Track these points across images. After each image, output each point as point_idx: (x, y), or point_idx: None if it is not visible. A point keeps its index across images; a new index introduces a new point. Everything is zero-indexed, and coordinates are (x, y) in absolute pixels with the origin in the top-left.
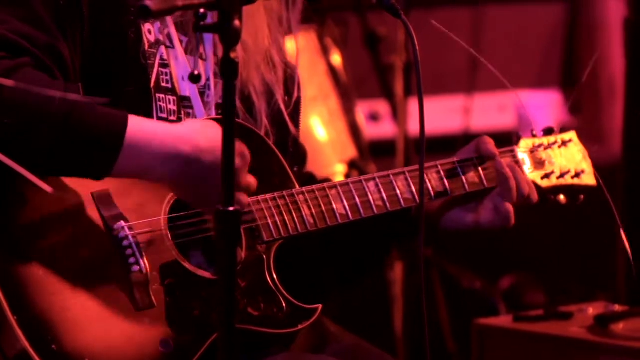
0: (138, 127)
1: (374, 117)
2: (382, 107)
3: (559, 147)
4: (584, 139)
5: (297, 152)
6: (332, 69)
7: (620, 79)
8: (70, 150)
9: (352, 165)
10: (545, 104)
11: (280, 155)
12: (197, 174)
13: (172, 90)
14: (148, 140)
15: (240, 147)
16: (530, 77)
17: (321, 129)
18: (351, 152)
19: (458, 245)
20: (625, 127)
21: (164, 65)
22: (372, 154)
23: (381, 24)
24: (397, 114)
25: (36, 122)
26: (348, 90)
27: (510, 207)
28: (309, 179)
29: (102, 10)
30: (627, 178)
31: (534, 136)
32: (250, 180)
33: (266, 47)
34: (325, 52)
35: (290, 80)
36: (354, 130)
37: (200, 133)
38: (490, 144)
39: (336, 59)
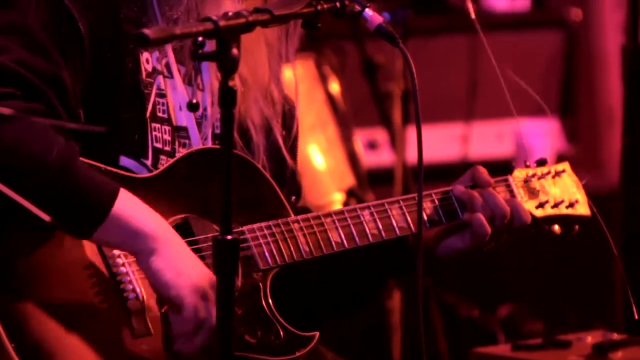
0: (124, 204)
1: (372, 145)
2: (380, 135)
3: (553, 177)
4: (581, 166)
5: (293, 185)
6: (330, 97)
7: (617, 106)
8: (54, 208)
9: (350, 193)
10: (543, 132)
11: (275, 184)
12: (168, 257)
13: (168, 121)
14: (129, 219)
15: (210, 278)
16: (528, 105)
17: (319, 157)
18: (349, 180)
19: (456, 274)
20: (623, 155)
21: (161, 95)
22: (370, 183)
23: (379, 52)
24: (395, 142)
25: (28, 172)
26: (346, 119)
27: (480, 217)
28: (303, 212)
29: (102, 38)
30: (625, 206)
31: (527, 167)
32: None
33: (265, 82)
34: (323, 80)
35: (288, 114)
36: (352, 159)
37: (175, 244)
38: (484, 173)
39: (334, 87)
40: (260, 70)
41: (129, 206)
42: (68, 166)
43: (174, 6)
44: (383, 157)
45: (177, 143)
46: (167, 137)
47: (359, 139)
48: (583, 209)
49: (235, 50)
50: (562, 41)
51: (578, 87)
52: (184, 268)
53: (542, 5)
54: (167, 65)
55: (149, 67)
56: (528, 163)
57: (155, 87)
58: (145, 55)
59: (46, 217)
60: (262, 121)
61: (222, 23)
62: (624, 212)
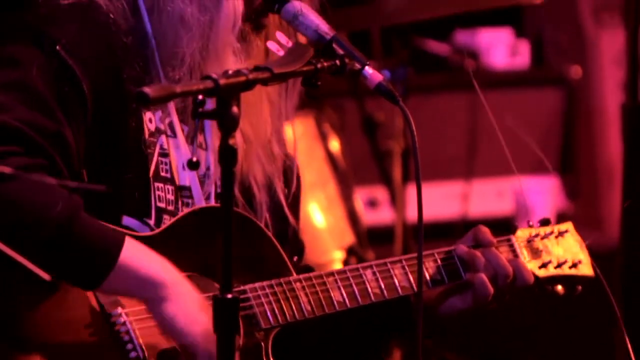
0: (132, 252)
1: (372, 204)
2: (380, 193)
3: (556, 237)
4: (581, 224)
5: (295, 244)
6: (330, 155)
7: (617, 164)
8: (61, 260)
9: (350, 251)
10: (543, 190)
11: (277, 243)
12: (176, 302)
13: (171, 180)
14: (137, 268)
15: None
16: (528, 163)
17: (319, 215)
18: (349, 238)
19: (457, 333)
20: (623, 213)
21: (164, 154)
22: (370, 241)
23: (379, 109)
24: (396, 200)
25: (34, 226)
26: (346, 177)
27: (483, 277)
28: (306, 271)
29: (105, 97)
30: (625, 265)
31: (530, 226)
32: None
33: (267, 139)
34: (323, 138)
35: (289, 172)
36: (352, 217)
37: (184, 291)
38: (486, 233)
39: (334, 145)
40: (262, 127)
41: (136, 254)
42: (73, 218)
43: (177, 67)
44: (383, 215)
45: (180, 202)
46: (170, 196)
47: (359, 197)
48: (586, 269)
49: (235, 109)
50: (562, 99)
51: (578, 144)
52: (196, 314)
53: (541, 62)
54: (171, 125)
55: (152, 127)
56: (531, 223)
57: (158, 146)
58: (148, 114)
59: (46, 277)
60: (264, 179)
61: (222, 81)
62: (624, 269)
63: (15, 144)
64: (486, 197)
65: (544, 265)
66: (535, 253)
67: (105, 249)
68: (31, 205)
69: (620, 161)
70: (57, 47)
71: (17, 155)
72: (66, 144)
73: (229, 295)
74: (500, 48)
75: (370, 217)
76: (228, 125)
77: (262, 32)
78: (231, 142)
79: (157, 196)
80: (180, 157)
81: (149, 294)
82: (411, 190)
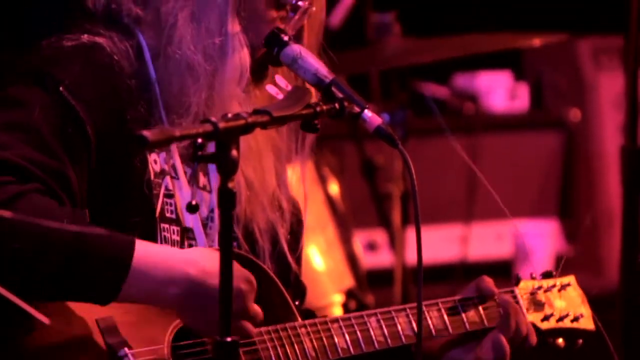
0: (144, 252)
1: (371, 247)
2: (379, 236)
3: (559, 290)
4: (580, 268)
5: (297, 287)
6: (329, 198)
7: (617, 208)
8: (76, 275)
9: (349, 295)
10: (542, 233)
11: (282, 287)
12: (203, 297)
13: (176, 221)
14: (154, 265)
15: (245, 273)
16: (527, 206)
17: (319, 258)
18: (348, 281)
19: None
20: (622, 257)
21: (169, 195)
22: (369, 284)
23: (378, 152)
24: (395, 244)
25: (44, 246)
26: (345, 220)
27: (507, 345)
28: (308, 314)
29: (109, 138)
30: (625, 309)
31: (533, 278)
32: (257, 309)
33: (272, 186)
34: (323, 181)
35: (293, 218)
36: (352, 260)
37: (207, 258)
38: (490, 283)
39: (333, 188)
40: (266, 174)
41: (149, 255)
42: (80, 232)
43: (183, 115)
44: (382, 258)
45: (185, 244)
46: (175, 237)
47: (359, 240)
48: (588, 323)
49: (234, 152)
50: (561, 142)
51: (577, 188)
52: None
53: (540, 105)
54: (174, 167)
55: (157, 168)
56: (534, 275)
57: (163, 187)
58: (153, 155)
59: (45, 320)
60: (267, 226)
61: (221, 125)
62: (624, 313)
63: (12, 175)
64: (485, 240)
65: (546, 318)
66: (538, 305)
67: (116, 255)
68: (37, 229)
69: (620, 204)
70: (61, 88)
71: (13, 184)
72: (68, 182)
73: (229, 339)
74: (500, 91)
75: (369, 260)
76: (227, 168)
77: (262, 83)
78: (230, 185)
79: (162, 237)
80: (183, 198)
81: (173, 290)
82: (410, 233)
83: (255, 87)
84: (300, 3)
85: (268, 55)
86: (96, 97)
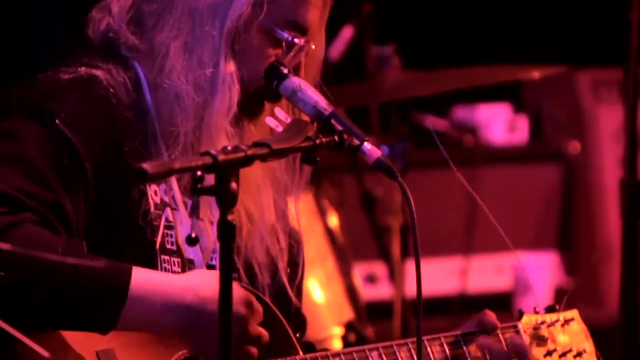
0: (142, 278)
1: (371, 279)
2: (379, 269)
3: (562, 325)
4: (580, 300)
5: (298, 321)
6: (328, 231)
7: (616, 240)
8: (73, 304)
9: (349, 327)
10: (542, 266)
11: (284, 320)
12: (203, 324)
13: (177, 252)
14: (152, 292)
15: (245, 295)
16: (527, 239)
17: (318, 291)
18: (348, 314)
19: None
20: (622, 289)
21: (169, 227)
22: (369, 316)
23: (378, 185)
24: (394, 276)
25: (40, 276)
26: (345, 252)
27: None
28: (308, 347)
29: (106, 170)
30: (625, 341)
31: (536, 313)
32: (260, 331)
33: (272, 220)
34: (322, 213)
35: (294, 251)
36: (351, 292)
37: (205, 284)
38: (493, 317)
39: (333, 220)
40: (267, 207)
41: (147, 282)
42: (76, 260)
43: (171, 145)
44: (382, 290)
45: None
46: (176, 268)
47: (358, 272)
48: (590, 359)
49: (234, 185)
50: (561, 174)
51: (577, 220)
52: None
53: (540, 138)
54: (174, 198)
55: (157, 199)
56: (537, 309)
57: (163, 218)
58: (153, 187)
59: (45, 354)
60: (267, 260)
61: (220, 157)
62: (624, 347)
63: (6, 206)
64: (485, 273)
65: (548, 354)
66: (541, 340)
67: (114, 282)
68: (31, 257)
69: (619, 237)
70: (57, 121)
71: (5, 215)
72: (64, 212)
73: None
74: (499, 123)
75: (369, 293)
76: (227, 201)
77: (257, 119)
78: (230, 218)
79: (163, 269)
80: (184, 230)
81: (171, 317)
82: (410, 266)
83: (249, 122)
84: (296, 40)
85: (265, 90)
86: (93, 130)
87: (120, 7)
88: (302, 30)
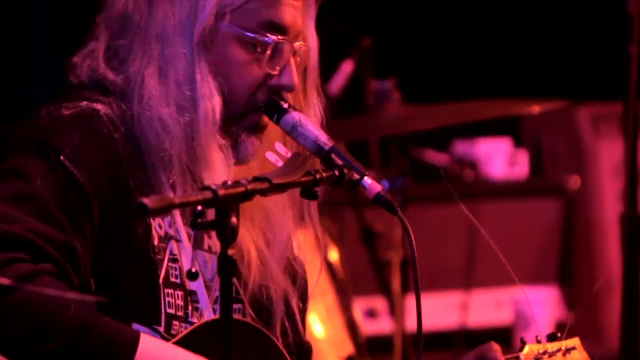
0: (148, 349)
1: (371, 314)
2: (379, 303)
3: (563, 354)
4: (581, 335)
5: (302, 352)
6: (329, 265)
7: (617, 275)
8: None
9: None
10: (542, 300)
11: (287, 356)
12: None
13: (181, 286)
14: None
15: None
16: (527, 273)
17: (318, 325)
18: (348, 348)
19: None
20: (622, 324)
21: (174, 260)
22: (369, 351)
23: (378, 220)
24: (395, 311)
25: (48, 330)
26: (345, 287)
27: None
28: None
29: (111, 205)
30: None
31: (538, 342)
32: None
33: (284, 254)
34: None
35: (298, 279)
36: (351, 327)
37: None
38: (497, 351)
39: (333, 255)
40: (278, 240)
41: (153, 351)
42: (87, 321)
43: (166, 169)
44: (382, 325)
45: (190, 307)
46: (179, 302)
47: (358, 307)
48: None
49: (234, 219)
50: (561, 209)
51: (577, 255)
52: None
53: (540, 172)
54: (177, 230)
55: (162, 232)
56: (539, 338)
57: (167, 252)
58: (157, 220)
59: None
60: (277, 293)
61: (221, 192)
62: None
63: (23, 252)
64: (485, 307)
65: None
66: None
67: (121, 347)
68: (44, 311)
69: (620, 271)
70: (61, 157)
71: (23, 262)
72: (75, 254)
73: None
74: (499, 158)
75: (369, 327)
76: (227, 235)
77: (256, 133)
78: (230, 252)
79: (166, 302)
80: (188, 262)
81: None
82: (410, 300)
83: (248, 135)
84: (268, 38)
85: (266, 113)
86: (97, 165)
87: (97, 48)
88: (279, 30)
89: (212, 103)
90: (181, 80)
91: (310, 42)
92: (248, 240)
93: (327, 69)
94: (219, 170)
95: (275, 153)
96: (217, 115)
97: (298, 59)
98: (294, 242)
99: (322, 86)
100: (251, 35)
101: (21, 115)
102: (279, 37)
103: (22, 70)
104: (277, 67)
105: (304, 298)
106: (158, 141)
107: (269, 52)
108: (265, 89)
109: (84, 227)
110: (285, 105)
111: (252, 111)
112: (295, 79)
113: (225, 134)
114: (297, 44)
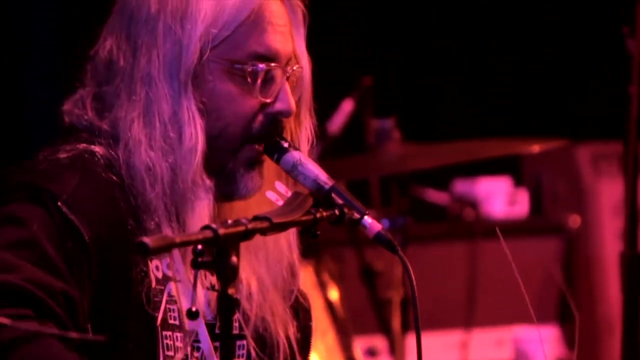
0: None
1: (371, 353)
2: (379, 342)
3: None
4: None
5: None
6: (329, 304)
7: (617, 314)
8: None
9: None
10: (542, 339)
11: None
12: None
13: (179, 327)
14: None
15: None
16: (528, 312)
17: None
18: None
19: None
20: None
21: (172, 301)
22: None
23: (378, 259)
24: (395, 350)
25: None
26: (345, 326)
27: None
28: None
29: (109, 249)
30: None
31: None
32: None
33: (285, 287)
34: (323, 287)
35: (301, 312)
36: None
37: None
38: None
39: (333, 294)
40: (279, 273)
41: None
42: None
43: (153, 213)
44: None
45: (190, 347)
46: (179, 343)
47: (359, 346)
48: None
49: (234, 259)
50: (561, 248)
51: (577, 294)
52: None
53: (540, 211)
54: (177, 270)
55: (159, 274)
56: None
57: (165, 294)
58: (155, 262)
59: None
60: (279, 326)
61: (221, 231)
62: None
63: (25, 306)
64: (485, 347)
65: None
66: None
67: None
68: None
69: (620, 311)
70: (59, 203)
71: (28, 319)
72: (73, 301)
73: None
74: (499, 197)
75: None
76: (227, 275)
77: (256, 167)
78: (230, 291)
79: (165, 345)
80: (188, 302)
81: None
82: (411, 339)
83: (247, 169)
84: (257, 68)
85: (266, 153)
86: (95, 210)
87: (84, 95)
88: (269, 57)
89: (197, 143)
90: (166, 122)
91: (302, 63)
92: (249, 272)
93: (327, 108)
94: (203, 213)
95: (275, 192)
96: (201, 156)
97: (292, 81)
98: (298, 274)
99: (314, 107)
100: (240, 66)
101: (21, 116)
102: (270, 64)
103: (22, 70)
104: (271, 95)
105: (305, 330)
106: (143, 186)
107: (259, 81)
108: (262, 118)
109: (82, 273)
110: (286, 145)
111: (249, 143)
112: (292, 103)
113: (221, 170)
114: (289, 68)
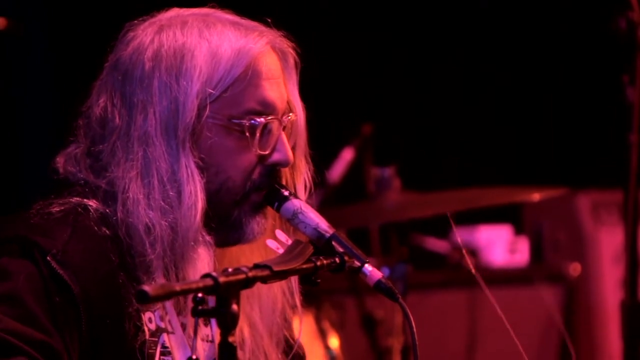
0: None
1: None
2: None
3: None
4: None
5: None
6: (329, 352)
7: None
8: None
9: None
10: None
11: None
12: None
13: None
14: None
15: None
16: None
17: None
18: None
19: None
20: None
21: (166, 352)
22: None
23: (379, 306)
24: None
25: None
26: None
27: None
28: None
29: (99, 303)
30: None
31: None
32: None
33: (276, 329)
34: (323, 335)
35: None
36: None
37: None
38: None
39: (333, 342)
40: (271, 319)
41: None
42: None
43: (154, 272)
44: None
45: None
46: None
47: None
48: None
49: (235, 307)
50: (561, 296)
51: (578, 342)
52: None
53: (540, 260)
54: (170, 322)
55: (153, 326)
56: None
57: (159, 345)
58: (147, 314)
59: None
60: None
61: (221, 279)
62: None
63: (5, 356)
64: None
65: None
66: None
67: None
68: None
69: (620, 358)
70: (48, 258)
71: None
72: (56, 353)
73: None
74: (500, 245)
75: None
76: (227, 323)
77: (260, 212)
78: (231, 339)
79: None
80: (182, 354)
81: None
82: None
83: (252, 214)
84: (255, 122)
85: (266, 201)
86: (85, 265)
87: (78, 152)
88: (266, 111)
89: (197, 200)
90: (165, 180)
91: (296, 110)
92: (242, 318)
93: (328, 157)
94: (203, 268)
95: (276, 240)
96: (201, 213)
97: (287, 128)
98: (292, 321)
99: (312, 154)
100: (238, 122)
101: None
102: (267, 117)
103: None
104: (269, 146)
105: None
106: (143, 247)
107: (258, 134)
108: (260, 169)
109: (70, 327)
110: (286, 193)
111: (252, 192)
112: (290, 154)
113: (226, 219)
114: (285, 117)
